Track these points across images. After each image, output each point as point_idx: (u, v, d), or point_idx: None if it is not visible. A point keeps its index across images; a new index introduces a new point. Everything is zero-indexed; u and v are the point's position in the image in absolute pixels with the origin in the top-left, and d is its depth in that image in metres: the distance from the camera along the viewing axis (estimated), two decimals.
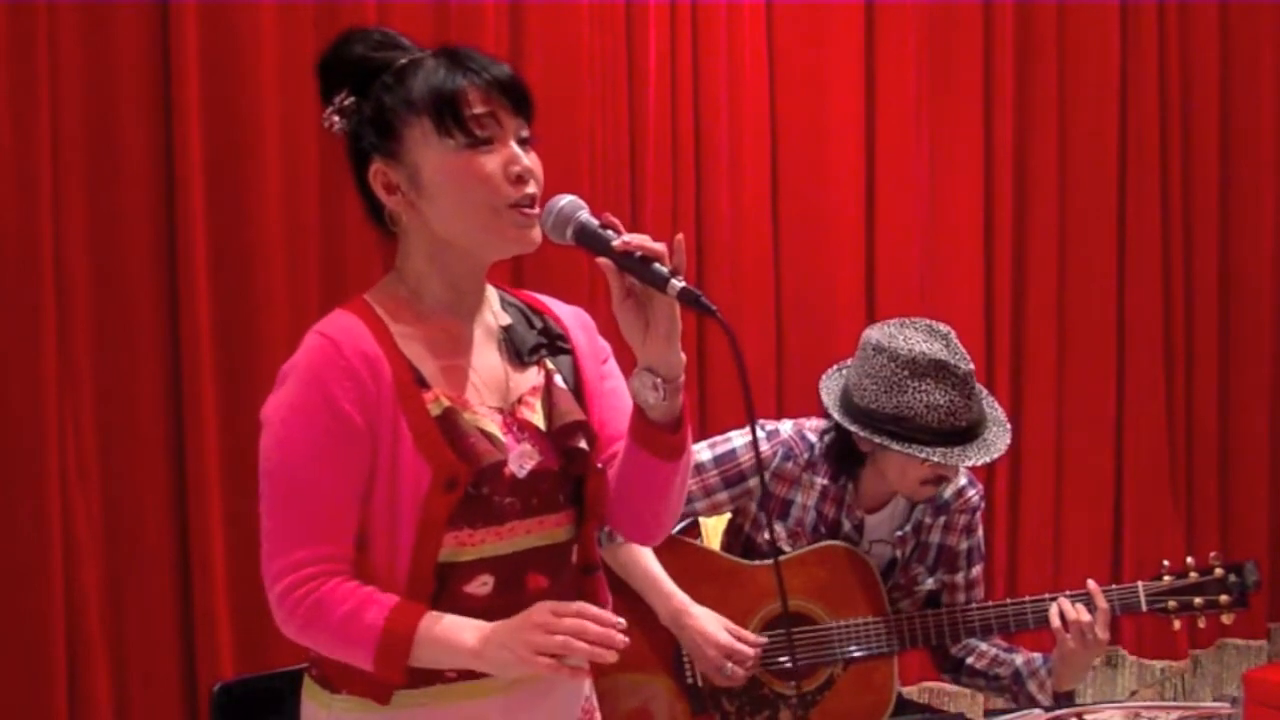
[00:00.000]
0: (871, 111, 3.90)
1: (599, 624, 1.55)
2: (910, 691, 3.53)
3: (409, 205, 1.64)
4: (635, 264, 1.57)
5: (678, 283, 1.55)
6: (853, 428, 2.48)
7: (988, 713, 2.55)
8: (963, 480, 2.65)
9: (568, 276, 3.20)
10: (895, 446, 2.43)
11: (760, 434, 2.60)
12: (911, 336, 2.46)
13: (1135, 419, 4.27)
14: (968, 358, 2.46)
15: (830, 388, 2.59)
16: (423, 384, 1.63)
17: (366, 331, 1.62)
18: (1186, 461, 4.37)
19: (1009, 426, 2.54)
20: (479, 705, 1.67)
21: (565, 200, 1.62)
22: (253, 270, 3.05)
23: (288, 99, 3.06)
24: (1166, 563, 2.58)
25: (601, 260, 1.59)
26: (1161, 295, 4.28)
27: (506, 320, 1.74)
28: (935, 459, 2.41)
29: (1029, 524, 4.15)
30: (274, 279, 3.07)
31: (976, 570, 2.68)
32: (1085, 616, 2.45)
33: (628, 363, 1.69)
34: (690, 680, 2.53)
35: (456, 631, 1.59)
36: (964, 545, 2.65)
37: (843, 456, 2.57)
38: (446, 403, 1.63)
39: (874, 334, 2.51)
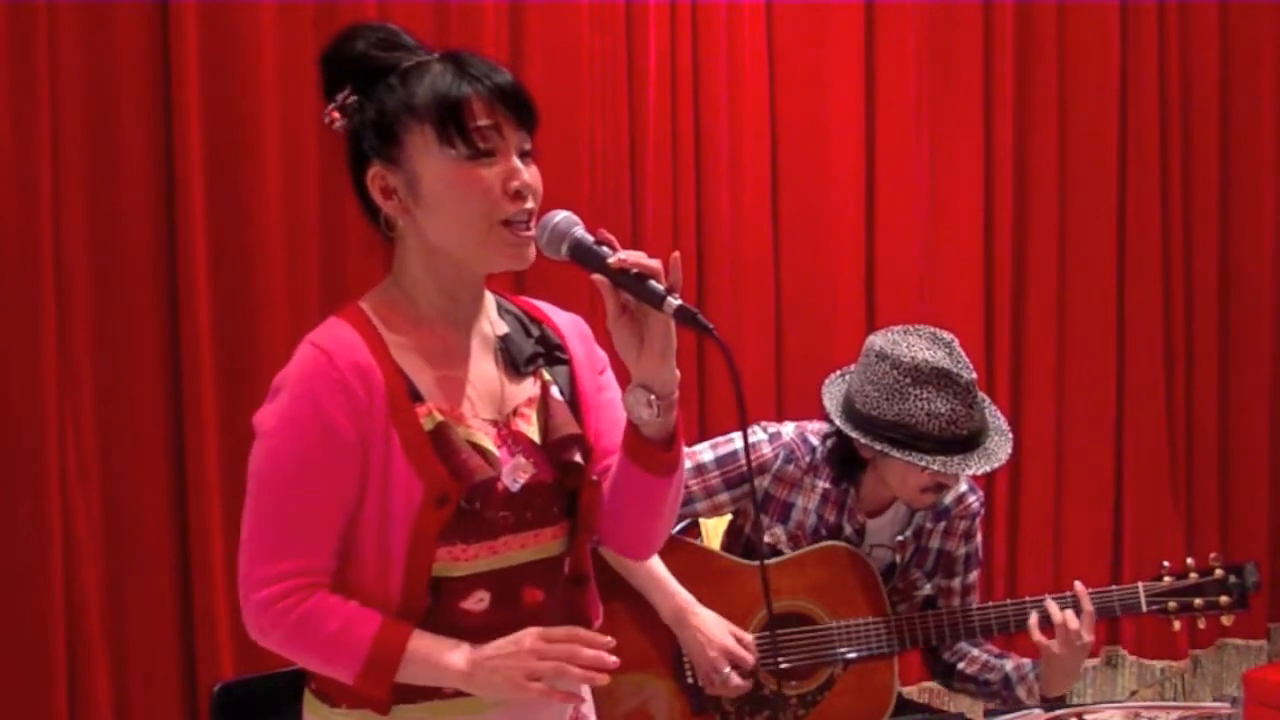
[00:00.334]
0: (871, 111, 3.89)
1: (590, 647, 1.55)
2: (910, 691, 3.53)
3: (405, 212, 1.62)
4: (631, 281, 1.56)
5: (674, 300, 1.54)
6: (854, 434, 2.48)
7: (988, 713, 2.55)
8: (963, 486, 2.64)
9: (568, 286, 3.19)
10: (895, 454, 2.43)
11: (762, 435, 2.60)
12: (914, 344, 2.46)
13: (1135, 419, 4.27)
14: (970, 366, 2.46)
15: (833, 393, 2.59)
16: (416, 398, 1.61)
17: (360, 342, 1.61)
18: (1186, 461, 4.37)
19: (1010, 436, 2.53)
20: None
21: (560, 216, 1.60)
22: (253, 270, 3.05)
23: (288, 99, 3.05)
24: (1166, 563, 2.58)
25: (597, 277, 1.58)
26: (1161, 295, 4.28)
27: (503, 329, 1.73)
28: (935, 467, 2.41)
29: (1029, 524, 4.15)
30: (274, 279, 3.07)
31: (973, 576, 2.68)
32: (1072, 621, 2.44)
33: (622, 378, 1.68)
34: (690, 680, 2.52)
35: (444, 652, 1.59)
36: (962, 551, 2.65)
37: (844, 462, 2.57)
38: (439, 417, 1.61)
39: (877, 340, 2.51)
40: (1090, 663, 4.23)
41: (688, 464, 2.43)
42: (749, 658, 2.46)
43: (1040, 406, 4.15)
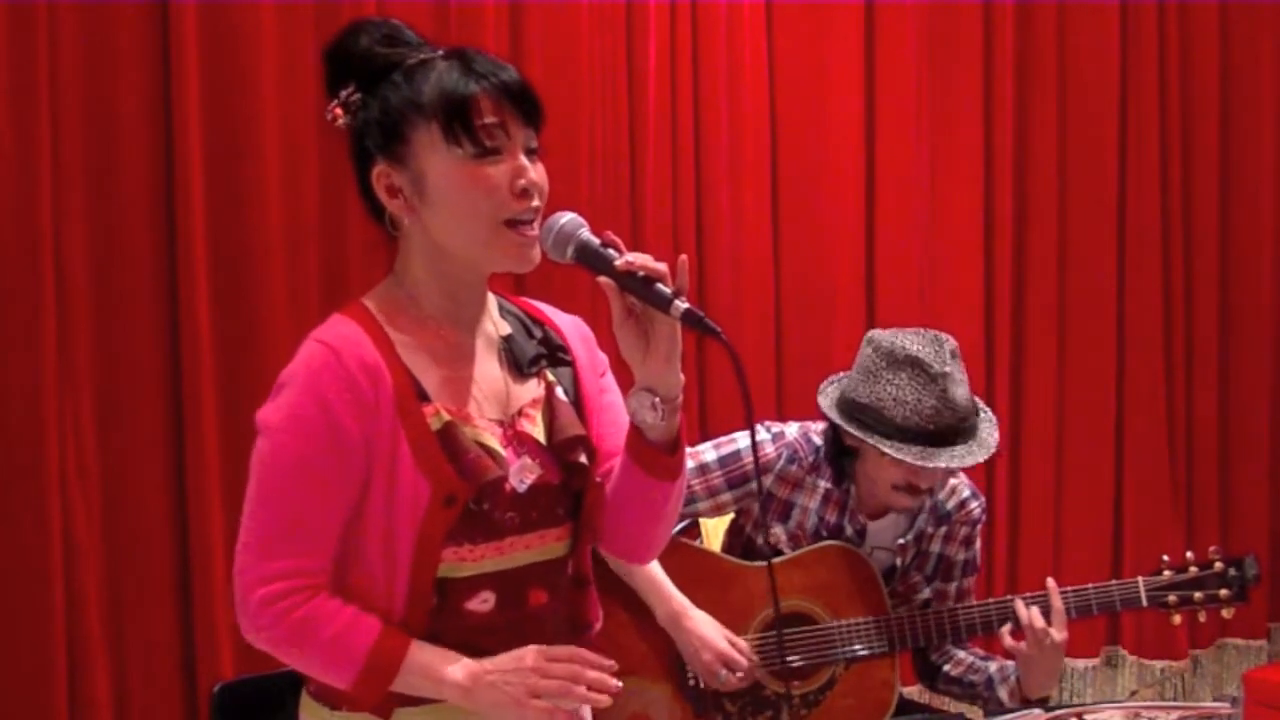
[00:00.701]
0: (871, 111, 3.90)
1: (593, 668, 1.56)
2: (911, 691, 3.53)
3: (410, 210, 1.61)
4: (637, 284, 1.55)
5: (681, 304, 1.54)
6: (831, 414, 2.49)
7: (988, 714, 2.54)
8: (965, 492, 2.64)
9: (569, 287, 3.19)
10: (856, 433, 2.43)
11: (765, 435, 2.60)
12: (904, 336, 2.47)
13: (1135, 418, 4.27)
14: (949, 362, 2.43)
15: (829, 391, 2.59)
16: (423, 397, 1.60)
17: (367, 340, 1.59)
18: (1186, 461, 4.36)
19: (992, 449, 2.45)
20: None
21: (566, 218, 1.59)
22: (253, 270, 3.05)
23: (288, 99, 3.05)
24: (1166, 557, 2.57)
25: (603, 280, 1.57)
26: (1161, 295, 4.28)
27: (506, 330, 1.72)
28: (886, 449, 2.39)
29: (1029, 524, 4.15)
30: (274, 279, 3.07)
31: (969, 581, 2.67)
32: (1038, 620, 2.43)
33: (625, 381, 1.68)
34: (691, 682, 2.52)
35: (443, 664, 1.59)
36: (961, 557, 2.64)
37: (839, 455, 2.57)
38: (447, 417, 1.60)
39: (875, 331, 2.54)
40: (1090, 663, 4.23)
41: (690, 463, 2.43)
42: (743, 661, 2.47)
43: (1040, 406, 4.15)
